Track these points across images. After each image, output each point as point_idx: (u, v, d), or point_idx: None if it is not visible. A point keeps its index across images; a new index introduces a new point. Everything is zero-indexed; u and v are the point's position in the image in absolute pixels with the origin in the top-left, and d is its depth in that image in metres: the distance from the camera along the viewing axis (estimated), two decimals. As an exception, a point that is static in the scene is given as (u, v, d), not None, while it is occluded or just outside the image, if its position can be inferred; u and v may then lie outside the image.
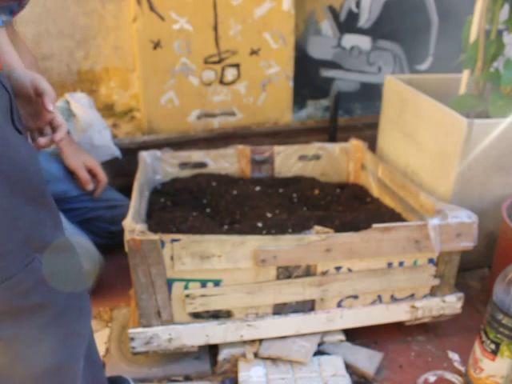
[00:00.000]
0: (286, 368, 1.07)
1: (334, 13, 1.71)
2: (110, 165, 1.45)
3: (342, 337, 1.15)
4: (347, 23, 1.73)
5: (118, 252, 1.23)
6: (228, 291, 1.05)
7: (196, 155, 1.50)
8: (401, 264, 1.11)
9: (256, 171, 1.56)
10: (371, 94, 1.85)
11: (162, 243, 0.98)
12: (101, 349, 1.14)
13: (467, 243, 1.11)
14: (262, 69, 1.66)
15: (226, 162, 1.53)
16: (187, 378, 1.06)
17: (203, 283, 1.03)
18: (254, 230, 1.17)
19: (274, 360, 1.09)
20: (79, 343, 0.71)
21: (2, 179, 0.54)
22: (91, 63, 1.58)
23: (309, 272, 1.07)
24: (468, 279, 1.39)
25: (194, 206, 1.35)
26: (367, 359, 1.10)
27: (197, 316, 1.06)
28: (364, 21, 1.74)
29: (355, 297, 1.12)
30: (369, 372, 1.07)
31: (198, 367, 1.09)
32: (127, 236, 0.97)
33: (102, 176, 1.39)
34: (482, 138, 1.20)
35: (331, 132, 1.78)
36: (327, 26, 1.72)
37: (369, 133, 1.73)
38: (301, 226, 1.16)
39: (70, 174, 1.37)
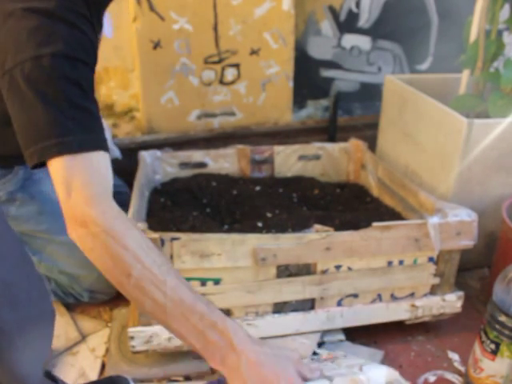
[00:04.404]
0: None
1: (334, 13, 1.71)
2: (110, 165, 1.45)
3: (341, 336, 1.15)
4: (347, 23, 1.73)
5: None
6: (228, 290, 1.05)
7: (196, 155, 1.50)
8: (401, 263, 1.11)
9: (256, 171, 1.56)
10: (371, 94, 1.85)
11: (162, 241, 0.98)
12: (101, 349, 1.14)
13: (467, 242, 1.11)
14: (261, 69, 1.66)
15: (226, 161, 1.53)
16: (187, 378, 1.06)
17: (203, 282, 1.03)
18: (254, 230, 1.17)
19: (273, 359, 1.09)
20: None
21: None
22: (91, 63, 1.58)
23: (309, 271, 1.07)
24: (468, 279, 1.39)
25: (194, 205, 1.35)
26: (368, 358, 1.10)
27: (197, 315, 1.06)
28: (364, 21, 1.74)
29: (355, 295, 1.12)
30: (369, 371, 1.07)
31: (197, 367, 1.09)
32: (127, 235, 0.97)
33: None
34: (482, 138, 1.20)
35: (331, 132, 1.78)
36: (327, 26, 1.72)
37: (369, 133, 1.73)
38: (301, 226, 1.16)
39: None
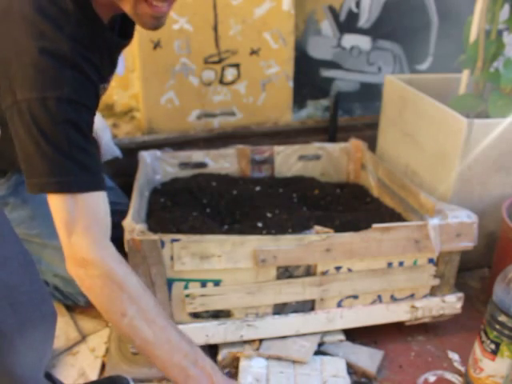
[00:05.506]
0: (287, 364, 1.07)
1: (334, 13, 1.71)
2: (110, 165, 1.45)
3: (341, 337, 1.15)
4: (347, 23, 1.73)
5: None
6: (228, 291, 1.05)
7: (196, 155, 1.50)
8: (401, 264, 1.11)
9: (256, 171, 1.56)
10: (371, 94, 1.84)
11: (162, 243, 0.98)
12: (101, 349, 1.14)
13: (467, 243, 1.11)
14: (261, 69, 1.66)
15: (226, 161, 1.53)
16: (187, 378, 1.06)
17: (203, 283, 1.04)
18: (254, 230, 1.17)
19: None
20: None
21: None
22: (91, 63, 1.57)
23: (309, 272, 1.07)
24: (468, 279, 1.39)
25: (194, 205, 1.34)
26: (368, 357, 1.10)
27: (196, 316, 1.06)
28: (364, 21, 1.74)
29: (355, 297, 1.12)
30: (371, 370, 1.07)
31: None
32: (127, 236, 0.97)
33: None
34: (482, 137, 1.20)
35: (331, 132, 1.78)
36: (327, 26, 1.72)
37: (369, 133, 1.73)
38: (301, 226, 1.16)
39: None
